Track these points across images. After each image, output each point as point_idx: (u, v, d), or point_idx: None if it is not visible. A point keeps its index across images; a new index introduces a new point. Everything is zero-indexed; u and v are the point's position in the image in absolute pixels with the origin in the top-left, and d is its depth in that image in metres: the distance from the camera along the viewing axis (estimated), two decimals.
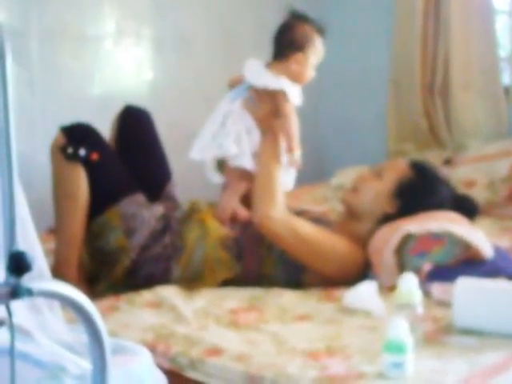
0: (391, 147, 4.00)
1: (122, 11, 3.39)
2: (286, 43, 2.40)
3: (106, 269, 2.37)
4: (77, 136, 2.35)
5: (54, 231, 2.43)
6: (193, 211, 2.45)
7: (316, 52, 2.42)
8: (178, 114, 3.58)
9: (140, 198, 2.42)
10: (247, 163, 2.38)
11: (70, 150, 2.31)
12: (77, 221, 2.33)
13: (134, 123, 2.57)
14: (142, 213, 2.38)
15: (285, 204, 2.34)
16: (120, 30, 3.38)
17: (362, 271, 2.30)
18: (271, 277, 2.33)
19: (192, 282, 2.30)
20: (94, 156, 2.33)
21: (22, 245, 1.01)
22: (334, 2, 4.22)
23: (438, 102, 3.84)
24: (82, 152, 2.31)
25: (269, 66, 2.41)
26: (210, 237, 2.36)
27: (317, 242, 2.30)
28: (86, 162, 2.32)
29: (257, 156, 2.37)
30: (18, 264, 0.98)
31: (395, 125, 3.99)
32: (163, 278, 2.31)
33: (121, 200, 2.37)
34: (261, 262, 2.35)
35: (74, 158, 2.31)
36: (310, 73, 2.43)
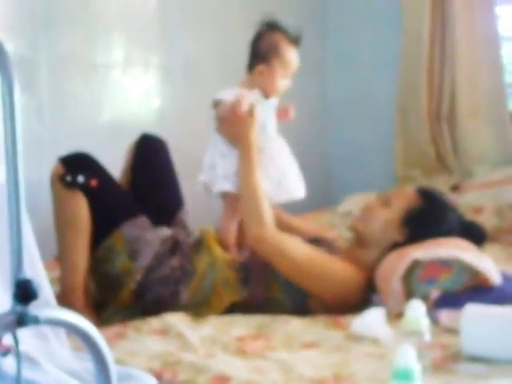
0: (399, 173, 4.00)
1: (131, 40, 3.42)
2: (252, 54, 2.43)
3: (113, 293, 2.37)
4: (75, 164, 2.36)
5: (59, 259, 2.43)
6: (203, 238, 2.46)
7: (283, 62, 2.41)
8: (185, 141, 3.58)
9: (142, 220, 2.42)
10: (224, 186, 2.39)
11: (68, 178, 2.32)
12: (80, 247, 2.33)
13: (151, 152, 2.60)
14: (145, 235, 2.39)
15: (274, 220, 2.35)
16: (128, 59, 3.41)
17: (362, 295, 2.29)
18: (277, 302, 2.32)
19: (199, 306, 2.30)
20: (93, 182, 2.34)
21: (28, 272, 1.01)
22: (341, 30, 4.24)
23: (445, 128, 3.85)
24: (81, 179, 2.32)
25: (241, 79, 2.44)
26: (218, 263, 2.36)
27: (309, 263, 2.29)
28: (86, 189, 2.33)
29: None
30: (25, 292, 0.98)
31: (402, 151, 4.00)
32: (171, 302, 2.31)
33: (122, 224, 2.37)
34: (267, 287, 2.34)
35: (72, 185, 2.32)
36: (279, 83, 2.42)
